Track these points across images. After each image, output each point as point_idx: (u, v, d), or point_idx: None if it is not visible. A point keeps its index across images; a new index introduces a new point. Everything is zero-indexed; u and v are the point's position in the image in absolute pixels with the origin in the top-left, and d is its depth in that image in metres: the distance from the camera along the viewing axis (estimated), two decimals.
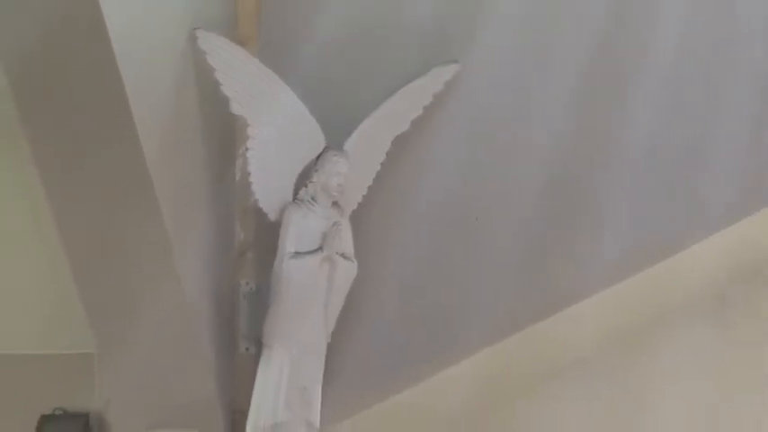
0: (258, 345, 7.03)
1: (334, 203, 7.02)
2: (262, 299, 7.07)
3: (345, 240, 7.05)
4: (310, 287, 7.00)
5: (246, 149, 6.90)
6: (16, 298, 7.80)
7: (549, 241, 7.68)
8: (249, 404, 6.96)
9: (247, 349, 7.09)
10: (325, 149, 6.98)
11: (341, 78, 7.18)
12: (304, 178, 7.00)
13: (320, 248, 6.96)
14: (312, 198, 6.98)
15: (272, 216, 6.97)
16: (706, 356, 8.98)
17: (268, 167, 6.97)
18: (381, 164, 7.23)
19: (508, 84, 7.43)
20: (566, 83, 7.43)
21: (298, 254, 6.93)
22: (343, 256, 7.02)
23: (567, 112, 7.48)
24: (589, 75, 7.46)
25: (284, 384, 6.98)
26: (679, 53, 7.71)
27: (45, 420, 7.60)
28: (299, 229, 6.97)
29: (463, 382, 8.47)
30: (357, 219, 7.16)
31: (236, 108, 6.78)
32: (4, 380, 7.77)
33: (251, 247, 7.14)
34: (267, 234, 7.01)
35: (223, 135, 6.98)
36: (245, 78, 6.82)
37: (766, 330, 9.04)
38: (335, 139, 7.01)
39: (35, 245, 7.38)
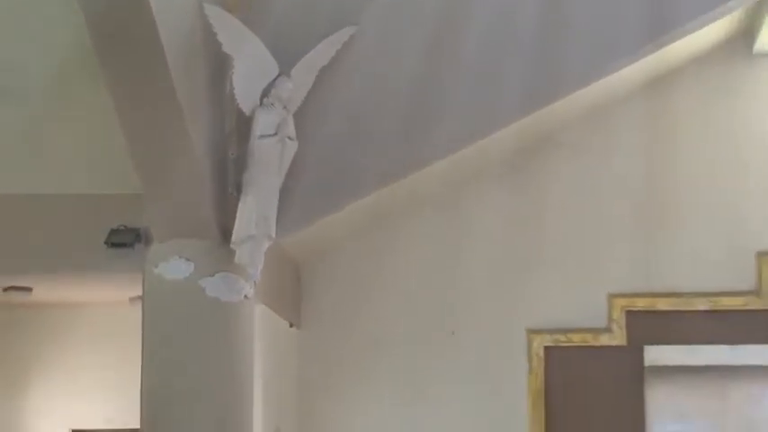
0: (239, 190, 7.09)
1: (284, 107, 7.09)
2: (241, 162, 7.12)
3: (290, 128, 7.14)
4: (270, 156, 7.07)
5: (232, 73, 6.99)
6: (101, 163, 7.69)
7: (419, 121, 7.57)
8: (233, 224, 7.05)
9: (232, 193, 7.15)
10: (279, 74, 7.06)
11: (289, 32, 7.19)
12: (267, 91, 7.04)
13: (276, 133, 7.06)
14: (271, 103, 7.04)
15: (248, 113, 7.05)
16: (502, 203, 9.57)
17: (245, 84, 7.02)
18: (313, 83, 7.28)
19: (388, 28, 7.46)
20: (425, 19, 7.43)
21: (262, 136, 7.03)
22: (288, 137, 7.13)
23: (428, 40, 7.41)
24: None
25: (254, 213, 7.05)
26: None
27: (113, 231, 7.61)
28: (264, 122, 7.04)
29: (369, 207, 8.59)
30: (297, 114, 7.23)
31: (226, 48, 6.85)
32: (89, 208, 7.74)
33: (235, 132, 7.19)
34: (245, 123, 7.11)
35: (219, 64, 7.03)
36: (231, 32, 6.83)
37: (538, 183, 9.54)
38: (285, 67, 7.10)
39: (111, 135, 7.03)
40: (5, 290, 8.79)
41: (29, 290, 8.83)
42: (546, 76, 7.58)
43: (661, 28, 7.54)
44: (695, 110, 9.57)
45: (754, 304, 9.35)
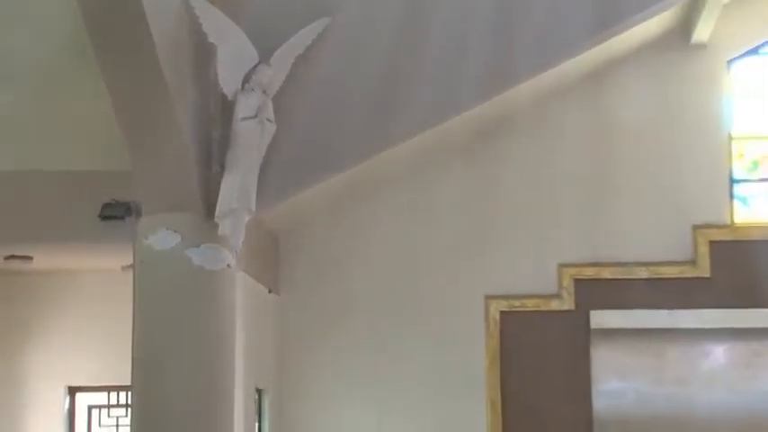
0: (222, 168, 7.10)
1: (264, 91, 7.10)
2: (224, 142, 7.12)
3: (269, 111, 7.14)
4: (250, 137, 7.06)
5: (216, 60, 6.96)
6: (95, 142, 7.64)
7: (388, 105, 7.58)
8: (217, 199, 7.04)
9: (216, 170, 7.14)
10: (259, 62, 7.08)
11: (269, 23, 7.19)
12: (248, 77, 7.04)
13: (256, 116, 7.05)
14: (252, 88, 7.03)
15: (230, 97, 7.06)
16: (463, 181, 9.62)
17: (227, 71, 7.00)
18: (290, 69, 7.26)
19: (359, 19, 7.46)
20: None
21: (244, 118, 7.03)
22: (268, 119, 7.12)
23: (395, 31, 7.47)
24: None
25: (236, 188, 7.05)
26: None
27: (106, 205, 7.59)
28: (245, 105, 7.03)
29: (340, 184, 8.65)
30: (276, 98, 7.18)
31: (211, 38, 6.88)
32: (84, 184, 7.70)
33: (218, 114, 7.17)
34: (227, 107, 7.11)
35: (203, 52, 7.01)
36: (214, 22, 6.85)
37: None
38: (265, 55, 7.09)
39: (105, 117, 7.03)
40: (7, 258, 8.64)
41: (29, 258, 8.72)
42: (503, 65, 7.68)
43: (609, 20, 7.70)
44: (637, 96, 9.74)
45: (690, 273, 9.61)
